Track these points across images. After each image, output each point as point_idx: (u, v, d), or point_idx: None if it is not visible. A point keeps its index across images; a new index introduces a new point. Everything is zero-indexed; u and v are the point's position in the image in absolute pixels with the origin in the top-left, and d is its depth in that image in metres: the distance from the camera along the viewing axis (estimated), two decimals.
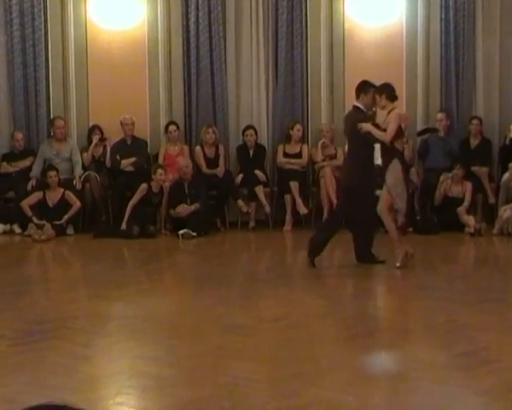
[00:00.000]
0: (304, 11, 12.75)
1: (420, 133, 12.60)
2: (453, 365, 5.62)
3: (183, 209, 11.89)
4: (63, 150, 12.48)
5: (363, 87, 9.30)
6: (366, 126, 8.98)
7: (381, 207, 9.02)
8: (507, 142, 12.30)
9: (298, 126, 12.62)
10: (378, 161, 9.90)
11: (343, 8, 12.73)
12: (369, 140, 9.02)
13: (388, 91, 9.07)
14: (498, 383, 5.23)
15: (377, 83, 9.19)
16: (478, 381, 5.26)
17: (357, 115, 9.21)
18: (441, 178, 12.00)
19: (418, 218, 12.15)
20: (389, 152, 8.97)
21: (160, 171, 11.92)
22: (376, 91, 9.13)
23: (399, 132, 8.96)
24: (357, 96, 9.31)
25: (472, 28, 12.69)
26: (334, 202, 12.09)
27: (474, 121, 12.54)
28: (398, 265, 8.88)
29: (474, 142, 12.57)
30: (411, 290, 8.22)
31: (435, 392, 5.13)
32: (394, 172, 8.92)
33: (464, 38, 12.70)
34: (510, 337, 6.45)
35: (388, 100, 9.04)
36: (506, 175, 11.93)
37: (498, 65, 12.70)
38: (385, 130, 8.85)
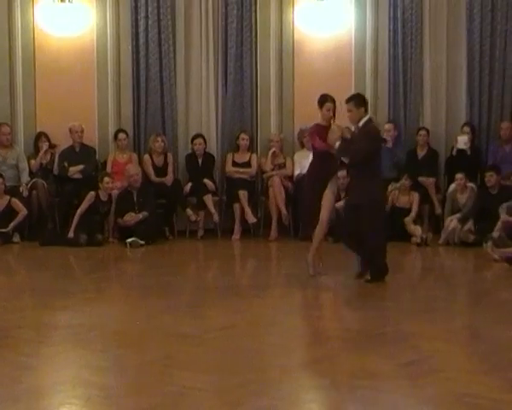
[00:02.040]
0: (253, 20, 12.79)
1: None
2: (398, 374, 5.64)
3: (131, 218, 11.82)
4: (9, 157, 12.34)
5: None
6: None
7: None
8: (453, 153, 12.46)
9: (243, 136, 12.66)
10: None
11: (292, 18, 12.79)
12: None
13: None
14: (443, 392, 5.26)
15: (327, 93, 9.20)
16: (423, 390, 5.29)
17: None
18: (389, 188, 12.11)
19: None
20: None
21: (106, 179, 11.85)
22: None
23: None
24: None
25: (420, 40, 12.85)
26: (283, 211, 12.16)
27: (422, 132, 12.69)
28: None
29: (421, 152, 12.70)
30: (358, 300, 8.26)
31: (380, 401, 5.15)
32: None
33: (412, 50, 12.85)
34: (455, 347, 6.51)
35: None
36: (452, 186, 12.07)
37: (445, 77, 12.86)
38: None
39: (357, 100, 8.80)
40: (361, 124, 8.71)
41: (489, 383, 5.41)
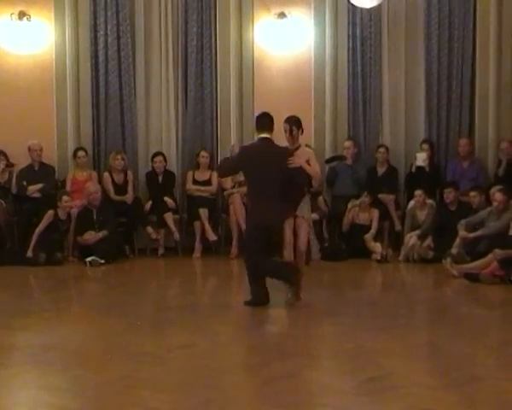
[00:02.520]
0: (213, 38, 12.81)
1: (328, 161, 12.76)
2: (359, 390, 5.66)
3: (91, 236, 11.75)
4: None
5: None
6: (299, 161, 8.56)
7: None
8: (413, 169, 12.55)
9: (203, 153, 12.67)
10: None
11: (252, 36, 12.83)
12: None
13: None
14: (404, 408, 5.29)
15: (286, 111, 9.12)
16: (383, 406, 5.31)
17: (283, 149, 8.70)
18: (349, 205, 12.18)
19: (326, 245, 12.28)
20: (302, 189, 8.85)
21: (65, 198, 11.77)
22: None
23: None
24: (272, 129, 8.64)
25: (378, 58, 12.95)
26: (244, 228, 12.14)
27: (381, 149, 12.77)
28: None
29: (380, 169, 12.78)
30: (318, 317, 8.27)
31: None
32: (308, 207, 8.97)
33: (371, 68, 12.95)
34: (416, 363, 6.55)
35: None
36: (412, 202, 12.15)
37: (404, 94, 12.97)
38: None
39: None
40: None
41: (449, 398, 5.46)
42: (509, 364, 6.42)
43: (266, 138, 8.60)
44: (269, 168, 8.49)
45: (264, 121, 8.66)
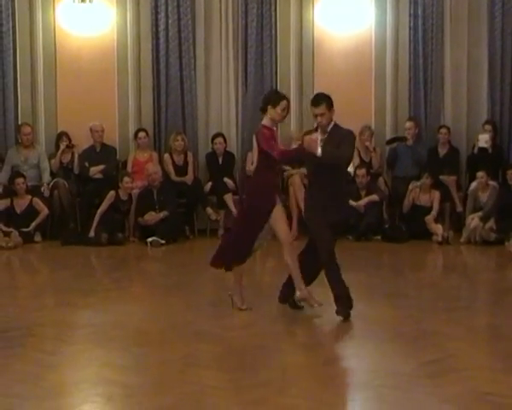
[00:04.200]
0: (273, 19, 12.78)
1: (388, 142, 12.67)
2: (420, 373, 5.63)
3: (152, 217, 11.84)
4: (31, 157, 12.39)
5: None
6: None
7: None
8: (475, 151, 12.39)
9: None
10: None
11: (313, 16, 12.77)
12: None
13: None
14: (465, 391, 5.25)
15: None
16: (444, 389, 5.27)
17: None
18: (410, 186, 12.07)
19: (387, 226, 12.21)
20: None
21: (126, 179, 11.88)
22: None
23: None
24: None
25: (440, 38, 12.78)
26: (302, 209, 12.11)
27: (443, 130, 12.62)
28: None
29: (442, 150, 12.64)
30: (378, 298, 8.22)
31: (401, 400, 5.14)
32: None
33: (433, 48, 12.79)
34: (477, 346, 6.49)
35: None
36: (474, 184, 12.01)
37: (466, 74, 12.79)
38: None
39: (330, 101, 7.34)
40: (329, 128, 7.30)
41: (510, 381, 5.40)
42: None
43: None
44: None
45: None
